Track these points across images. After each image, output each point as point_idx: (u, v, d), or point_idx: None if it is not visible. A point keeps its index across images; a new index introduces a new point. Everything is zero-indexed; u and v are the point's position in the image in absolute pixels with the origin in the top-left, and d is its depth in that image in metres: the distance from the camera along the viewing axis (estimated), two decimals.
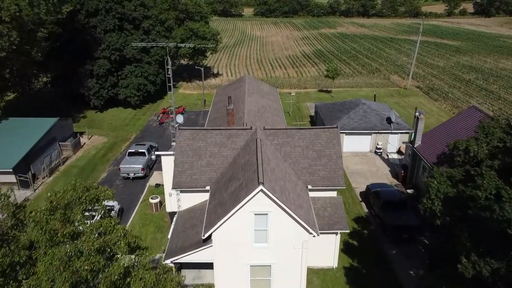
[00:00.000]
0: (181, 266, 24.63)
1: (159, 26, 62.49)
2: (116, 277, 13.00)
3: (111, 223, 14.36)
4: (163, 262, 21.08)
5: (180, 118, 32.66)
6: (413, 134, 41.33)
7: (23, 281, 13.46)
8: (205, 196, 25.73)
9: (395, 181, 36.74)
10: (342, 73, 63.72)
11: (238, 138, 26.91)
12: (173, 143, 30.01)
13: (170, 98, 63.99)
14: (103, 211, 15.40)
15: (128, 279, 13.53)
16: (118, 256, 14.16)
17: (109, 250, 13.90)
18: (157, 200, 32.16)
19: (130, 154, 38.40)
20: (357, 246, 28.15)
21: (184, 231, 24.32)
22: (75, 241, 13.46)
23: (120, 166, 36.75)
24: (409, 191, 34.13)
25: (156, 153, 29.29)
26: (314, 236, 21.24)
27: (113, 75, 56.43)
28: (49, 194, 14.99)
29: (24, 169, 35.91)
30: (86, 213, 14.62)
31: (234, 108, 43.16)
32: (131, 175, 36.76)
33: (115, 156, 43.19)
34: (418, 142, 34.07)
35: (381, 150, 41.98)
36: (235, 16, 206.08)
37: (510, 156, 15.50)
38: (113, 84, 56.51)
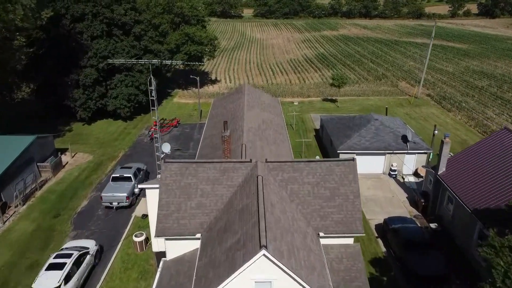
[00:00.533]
0: None
1: (152, 31, 58.10)
2: None
3: None
4: None
5: (166, 148, 28.03)
6: (431, 154, 37.02)
7: None
8: (195, 244, 21.36)
9: (414, 211, 32.36)
10: (348, 81, 59.50)
11: (236, 173, 22.48)
12: (159, 175, 25.69)
13: (162, 111, 59.81)
14: None
15: None
16: None
17: None
18: (142, 238, 27.75)
19: (114, 179, 34.00)
20: None
21: None
22: None
23: (102, 194, 32.35)
24: (432, 225, 29.77)
25: (140, 186, 24.90)
26: None
27: (101, 85, 52.05)
28: None
29: None
30: None
31: (232, 125, 38.84)
32: (115, 204, 32.34)
33: (99, 178, 38.79)
34: (442, 169, 29.68)
35: (396, 172, 37.61)
36: (235, 17, 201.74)
37: None
38: (101, 95, 52.13)
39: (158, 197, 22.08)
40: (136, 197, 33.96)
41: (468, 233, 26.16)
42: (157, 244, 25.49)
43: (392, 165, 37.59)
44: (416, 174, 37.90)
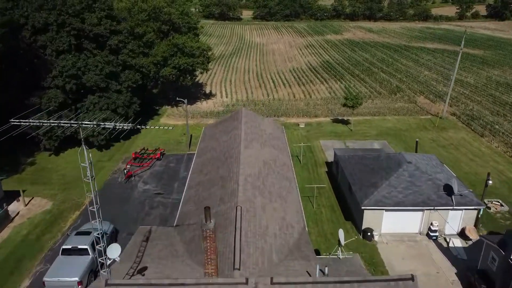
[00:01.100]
0: None
1: (133, 42, 49.51)
2: None
3: None
4: None
5: (114, 251, 18.68)
6: (481, 209, 28.42)
7: None
8: None
9: None
10: (363, 101, 50.86)
11: None
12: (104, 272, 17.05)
13: (145, 136, 51.15)
14: None
15: None
16: None
17: None
18: None
19: (65, 252, 25.35)
20: None
21: None
22: None
23: (45, 278, 23.66)
24: None
25: None
26: None
27: (70, 109, 43.43)
28: None
29: None
30: None
31: (225, 170, 30.38)
32: None
33: (54, 239, 30.19)
34: None
35: (436, 233, 29.01)
36: (233, 19, 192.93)
37: None
38: (70, 120, 43.39)
39: None
40: (94, 276, 25.15)
41: None
42: None
43: (431, 224, 29.01)
44: (462, 235, 29.32)
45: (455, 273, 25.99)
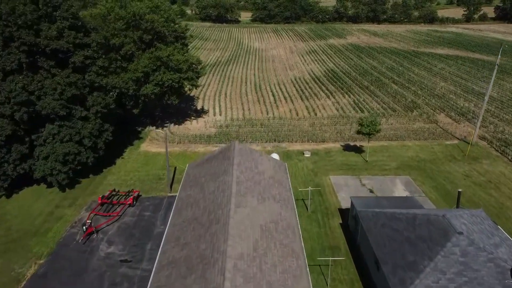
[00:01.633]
0: None
1: (112, 54, 41.35)
2: None
3: None
4: None
5: None
6: None
7: None
8: None
9: None
10: (380, 127, 42.33)
11: None
12: None
13: (119, 170, 42.80)
14: None
15: None
16: None
17: None
18: None
19: None
20: None
21: None
22: None
23: None
24: None
25: None
26: None
27: (23, 142, 35.18)
28: None
29: None
30: None
31: (206, 246, 22.28)
32: None
33: None
34: None
35: None
36: (231, 22, 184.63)
37: None
38: (23, 155, 35.26)
39: None
40: None
41: None
42: None
43: None
44: None
45: None
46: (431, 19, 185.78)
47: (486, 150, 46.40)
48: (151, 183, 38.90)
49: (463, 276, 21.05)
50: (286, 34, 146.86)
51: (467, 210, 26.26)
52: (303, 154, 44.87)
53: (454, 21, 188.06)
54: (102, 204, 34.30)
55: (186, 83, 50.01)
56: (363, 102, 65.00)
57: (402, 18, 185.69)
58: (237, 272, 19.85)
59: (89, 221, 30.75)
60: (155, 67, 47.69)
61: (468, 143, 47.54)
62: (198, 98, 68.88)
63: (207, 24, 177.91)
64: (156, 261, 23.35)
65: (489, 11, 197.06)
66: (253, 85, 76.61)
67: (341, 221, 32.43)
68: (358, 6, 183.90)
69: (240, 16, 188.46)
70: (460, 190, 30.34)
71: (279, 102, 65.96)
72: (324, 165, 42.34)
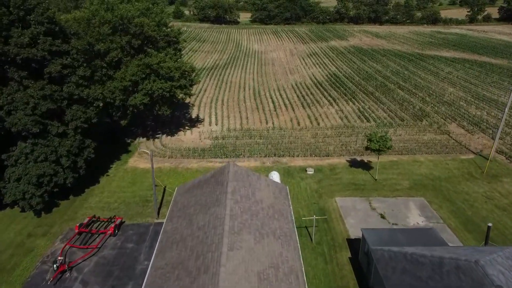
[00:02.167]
0: None
1: (98, 61, 37.43)
2: None
3: None
4: None
5: None
6: None
7: None
8: None
9: None
10: (391, 143, 38.19)
11: None
12: None
13: (103, 190, 38.81)
14: None
15: None
16: None
17: None
18: None
19: None
20: None
21: None
22: None
23: None
24: None
25: None
26: None
27: None
28: None
29: None
30: None
31: None
32: None
33: None
34: None
35: None
36: (230, 23, 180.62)
37: None
38: None
39: None
40: None
41: None
42: None
43: None
44: None
45: None
46: (434, 20, 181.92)
47: (506, 166, 42.48)
48: (136, 206, 34.95)
49: None
50: (286, 36, 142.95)
51: (500, 251, 22.31)
52: (306, 171, 40.94)
53: (458, 22, 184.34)
54: (79, 234, 30.38)
55: (178, 92, 45.98)
56: (368, 110, 61.07)
57: (404, 19, 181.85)
58: None
59: (61, 257, 26.77)
60: (144, 75, 43.72)
61: (485, 158, 43.62)
62: (193, 105, 64.93)
63: (206, 25, 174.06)
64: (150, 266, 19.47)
65: (493, 11, 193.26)
66: (252, 91, 72.69)
67: (350, 255, 28.49)
68: (359, 6, 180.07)
69: (239, 17, 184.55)
70: (490, 224, 26.40)
71: (279, 110, 62.01)
72: (329, 184, 38.38)
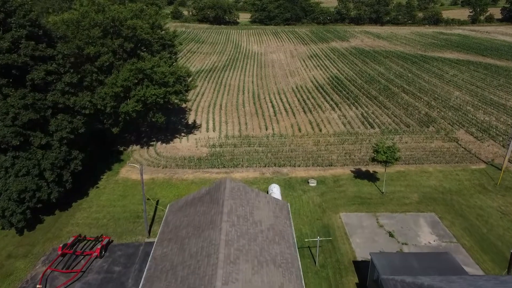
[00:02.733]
0: None
1: (87, 66, 35.07)
2: None
3: None
4: None
5: None
6: None
7: None
8: None
9: None
10: (399, 154, 35.94)
11: None
12: None
13: (91, 204, 36.44)
14: None
15: None
16: None
17: None
18: None
19: None
20: None
21: None
22: None
23: None
24: None
25: None
26: None
27: None
28: None
29: None
30: None
31: None
32: None
33: None
34: None
35: None
36: (230, 23, 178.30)
37: None
38: None
39: None
40: None
41: None
42: None
43: None
44: None
45: None
46: (436, 20, 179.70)
47: None
48: (126, 222, 32.56)
49: None
50: (286, 37, 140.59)
51: None
52: (308, 183, 38.57)
53: (460, 22, 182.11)
54: (63, 255, 27.99)
55: (173, 98, 43.56)
56: (372, 115, 58.70)
57: (405, 20, 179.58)
58: None
59: (40, 286, 24.36)
60: (136, 81, 41.36)
61: (497, 168, 41.28)
62: (190, 110, 62.55)
63: (205, 25, 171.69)
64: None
65: (495, 12, 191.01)
66: (251, 95, 70.33)
67: (357, 281, 26.11)
68: (360, 7, 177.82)
69: (238, 18, 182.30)
70: None
71: (279, 115, 59.62)
72: (333, 198, 35.99)
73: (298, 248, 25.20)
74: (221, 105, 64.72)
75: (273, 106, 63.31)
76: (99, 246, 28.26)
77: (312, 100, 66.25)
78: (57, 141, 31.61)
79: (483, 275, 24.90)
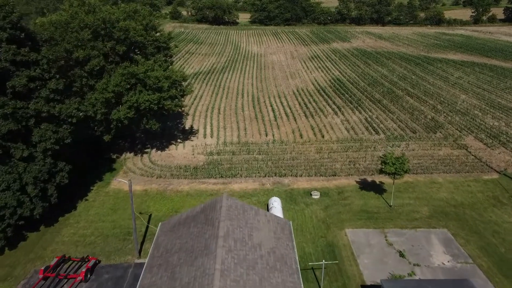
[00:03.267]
0: None
1: (77, 70, 32.79)
2: None
3: None
4: None
5: None
6: None
7: None
8: None
9: None
10: (408, 165, 33.51)
11: None
12: None
13: (79, 219, 34.08)
14: None
15: None
16: None
17: None
18: None
19: None
20: None
21: None
22: None
23: None
24: None
25: None
26: None
27: None
28: None
29: None
30: None
31: None
32: None
33: None
34: None
35: None
36: (229, 24, 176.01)
37: None
38: None
39: None
40: None
41: None
42: None
43: None
44: None
45: None
46: (438, 20, 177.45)
47: None
48: (116, 240, 30.23)
49: None
50: (287, 37, 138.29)
51: None
52: (311, 195, 36.25)
53: (462, 23, 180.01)
54: (45, 278, 25.66)
55: (167, 104, 41.16)
56: (376, 120, 56.40)
57: (407, 20, 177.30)
58: None
59: None
60: (129, 86, 39.03)
61: (511, 178, 38.93)
62: (187, 114, 60.22)
63: (204, 26, 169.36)
64: None
65: (498, 12, 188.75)
66: (251, 98, 68.03)
67: None
68: (361, 7, 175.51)
69: (238, 18, 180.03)
70: None
71: (279, 119, 57.29)
72: (338, 212, 33.67)
73: (301, 269, 22.97)
74: (219, 109, 62.41)
75: (273, 110, 61.01)
76: (84, 269, 25.91)
77: (314, 104, 63.93)
78: (41, 152, 29.29)
79: None
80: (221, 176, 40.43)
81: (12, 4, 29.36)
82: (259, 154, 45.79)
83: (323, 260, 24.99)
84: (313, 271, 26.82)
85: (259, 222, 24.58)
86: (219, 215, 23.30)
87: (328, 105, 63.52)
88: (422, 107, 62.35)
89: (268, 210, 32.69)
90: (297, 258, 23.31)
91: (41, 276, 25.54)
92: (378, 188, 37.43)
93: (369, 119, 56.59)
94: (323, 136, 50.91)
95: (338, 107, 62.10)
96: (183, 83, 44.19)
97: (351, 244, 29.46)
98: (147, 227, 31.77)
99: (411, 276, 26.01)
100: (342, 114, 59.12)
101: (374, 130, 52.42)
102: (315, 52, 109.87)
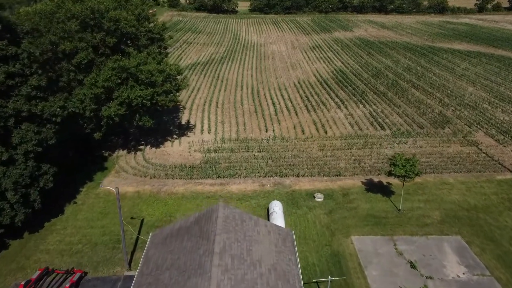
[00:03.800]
0: None
1: (64, 64, 30.29)
2: None
3: None
4: None
5: None
6: None
7: None
8: None
9: None
10: (419, 168, 31.26)
11: None
12: None
13: (66, 225, 31.85)
14: None
15: None
16: None
17: None
18: None
19: None
20: None
21: None
22: None
23: None
24: None
25: None
26: None
27: None
28: None
29: None
30: None
31: None
32: None
33: None
34: None
35: None
36: (228, 12, 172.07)
37: None
38: None
39: None
40: None
41: None
42: None
43: None
44: None
45: None
46: (442, 9, 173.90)
47: None
48: (105, 249, 28.10)
49: None
50: (287, 26, 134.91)
51: None
52: (314, 197, 34.04)
53: (466, 11, 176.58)
54: None
55: (161, 99, 38.69)
56: (381, 114, 54.00)
57: (410, 8, 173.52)
58: None
59: None
60: (120, 80, 36.52)
61: None
62: (184, 108, 57.78)
63: (202, 14, 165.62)
64: None
65: (503, 0, 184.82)
66: (250, 90, 65.48)
67: None
68: None
69: (237, 6, 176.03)
70: None
71: (280, 114, 54.86)
72: (343, 217, 31.50)
73: (304, 284, 20.89)
74: (217, 103, 59.92)
75: (273, 104, 58.53)
76: (68, 284, 23.80)
77: (316, 97, 61.42)
78: (22, 155, 26.99)
79: None
80: (219, 176, 38.19)
81: None
82: (259, 152, 43.51)
83: (329, 276, 22.85)
84: (317, 285, 24.72)
85: (258, 233, 22.40)
86: (215, 228, 21.12)
87: (331, 98, 61.01)
88: (428, 100, 59.86)
89: (268, 215, 30.57)
90: (300, 275, 21.18)
91: None
92: (385, 190, 35.21)
93: (373, 113, 54.16)
94: (326, 132, 48.55)
95: (341, 100, 59.61)
96: (178, 77, 41.56)
97: (358, 253, 27.35)
98: (139, 232, 29.65)
99: None
100: (346, 107, 56.66)
101: (379, 125, 50.07)
102: (317, 42, 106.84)
